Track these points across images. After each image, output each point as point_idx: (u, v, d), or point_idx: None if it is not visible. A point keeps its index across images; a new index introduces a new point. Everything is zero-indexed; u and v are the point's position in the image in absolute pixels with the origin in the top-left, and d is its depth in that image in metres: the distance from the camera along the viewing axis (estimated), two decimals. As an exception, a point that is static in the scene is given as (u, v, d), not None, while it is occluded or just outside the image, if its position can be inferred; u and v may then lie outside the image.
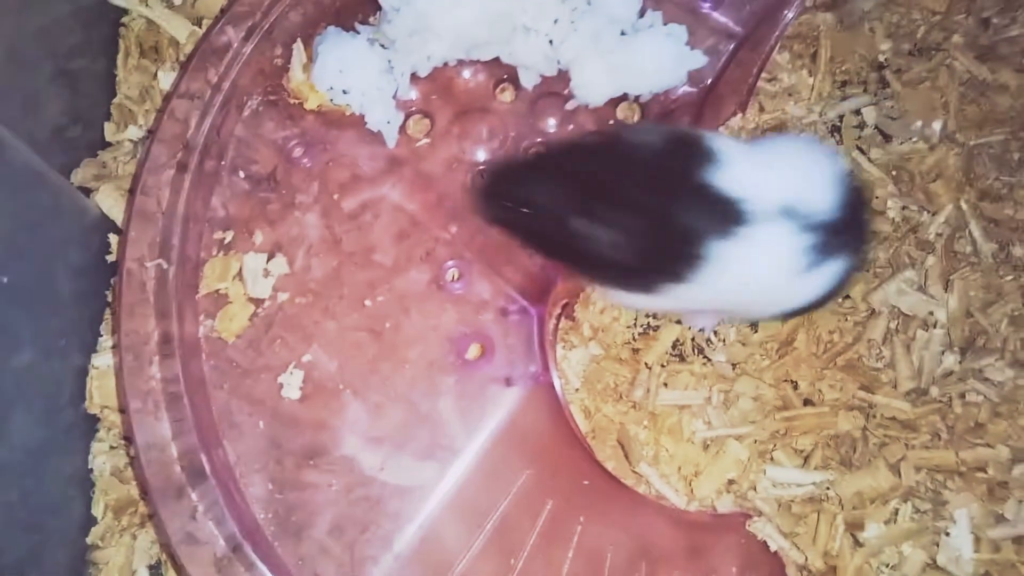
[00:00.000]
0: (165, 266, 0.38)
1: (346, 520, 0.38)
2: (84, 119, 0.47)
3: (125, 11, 0.48)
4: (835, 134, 0.52)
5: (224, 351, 0.39)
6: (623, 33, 0.41)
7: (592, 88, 0.41)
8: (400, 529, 0.38)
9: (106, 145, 0.46)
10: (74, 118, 0.46)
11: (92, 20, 0.48)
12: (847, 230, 0.36)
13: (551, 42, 0.41)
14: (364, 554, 0.37)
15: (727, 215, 0.33)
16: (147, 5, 0.47)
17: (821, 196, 0.35)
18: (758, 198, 0.33)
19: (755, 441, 0.46)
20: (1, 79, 0.40)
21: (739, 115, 0.51)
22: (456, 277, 0.41)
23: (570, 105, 0.43)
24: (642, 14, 0.43)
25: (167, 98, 0.42)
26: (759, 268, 0.35)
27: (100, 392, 0.42)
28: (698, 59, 0.43)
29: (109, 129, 0.47)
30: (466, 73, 0.45)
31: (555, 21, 0.41)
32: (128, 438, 0.42)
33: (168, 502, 0.37)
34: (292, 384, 0.38)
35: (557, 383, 0.39)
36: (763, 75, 0.51)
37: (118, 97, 0.47)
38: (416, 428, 0.40)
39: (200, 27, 0.47)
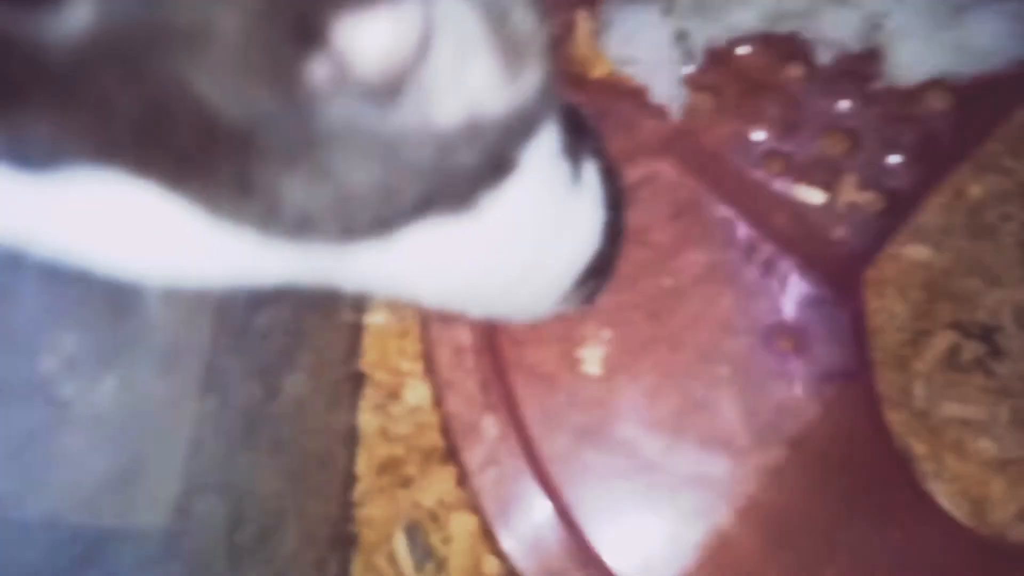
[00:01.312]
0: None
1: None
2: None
3: None
4: None
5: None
6: (954, 7, 0.38)
7: (911, 66, 0.38)
8: (687, 523, 0.35)
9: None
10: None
11: None
12: None
13: (868, 16, 0.39)
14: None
15: None
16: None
17: None
18: None
19: (1056, 466, 0.42)
20: None
21: (1027, 109, 0.47)
22: (760, 269, 0.39)
23: (876, 85, 0.40)
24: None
25: None
26: None
27: (373, 350, 0.42)
28: None
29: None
30: (755, 46, 0.42)
31: (877, -9, 0.38)
32: (392, 396, 0.42)
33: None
34: (592, 359, 0.36)
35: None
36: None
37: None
38: (696, 418, 0.38)
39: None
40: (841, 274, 0.37)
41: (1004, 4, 0.37)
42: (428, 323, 0.38)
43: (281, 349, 0.40)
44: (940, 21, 0.37)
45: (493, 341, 0.38)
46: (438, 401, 0.39)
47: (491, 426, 0.36)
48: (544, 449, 0.36)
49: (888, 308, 0.44)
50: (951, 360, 0.43)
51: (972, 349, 0.43)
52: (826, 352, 0.36)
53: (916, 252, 0.43)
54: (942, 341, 0.43)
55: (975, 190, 0.45)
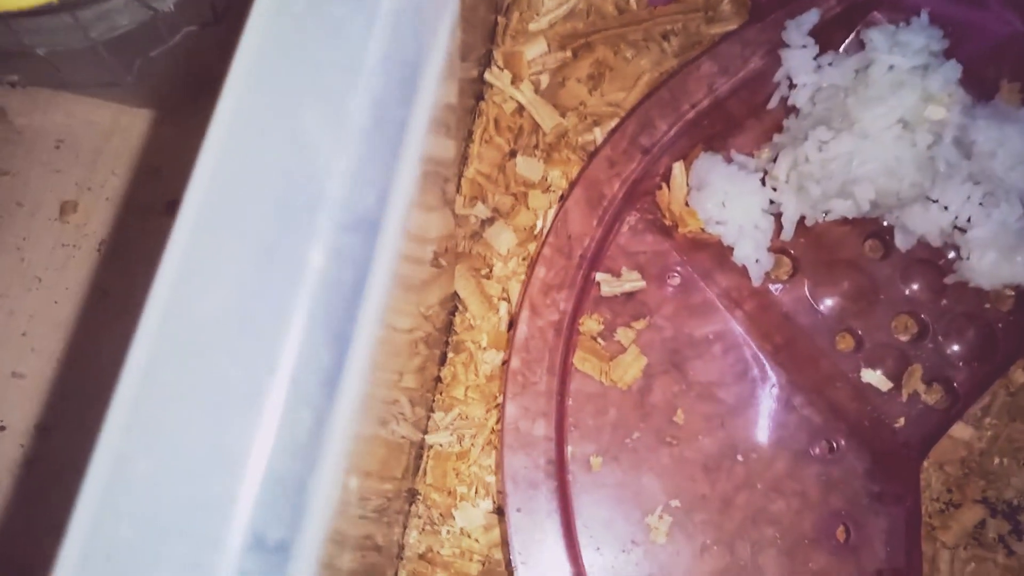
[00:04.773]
0: (545, 375, 0.40)
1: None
2: (446, 187, 0.48)
3: (492, 87, 0.49)
4: None
5: (584, 471, 0.39)
6: (1032, 225, 0.40)
7: (987, 274, 0.40)
8: None
9: (454, 218, 0.48)
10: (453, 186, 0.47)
11: (458, 91, 0.49)
12: None
13: (955, 218, 0.41)
14: None
15: None
16: (518, 88, 0.48)
17: None
18: None
19: (1062, 655, 0.45)
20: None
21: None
22: (824, 449, 0.40)
23: (950, 279, 0.43)
24: (1040, 200, 0.43)
25: (556, 211, 0.43)
26: None
27: (432, 472, 0.43)
28: None
29: (458, 202, 0.48)
30: (837, 222, 0.45)
31: (966, 199, 0.41)
32: (442, 517, 0.44)
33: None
34: (660, 529, 0.38)
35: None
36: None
37: (470, 171, 0.48)
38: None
39: (564, 117, 0.48)
40: (899, 467, 0.39)
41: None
42: (499, 451, 0.39)
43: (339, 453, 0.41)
44: (1021, 236, 0.39)
45: (563, 480, 0.39)
46: (492, 528, 0.40)
47: (549, 565, 0.38)
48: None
49: (924, 480, 0.46)
50: (976, 535, 0.46)
51: (996, 526, 0.46)
52: (875, 547, 0.38)
53: (959, 431, 0.46)
54: (970, 515, 0.46)
55: (1019, 375, 0.48)
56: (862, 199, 0.38)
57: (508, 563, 0.39)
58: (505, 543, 0.40)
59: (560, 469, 0.38)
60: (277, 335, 0.16)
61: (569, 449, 0.39)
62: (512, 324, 0.41)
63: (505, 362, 0.40)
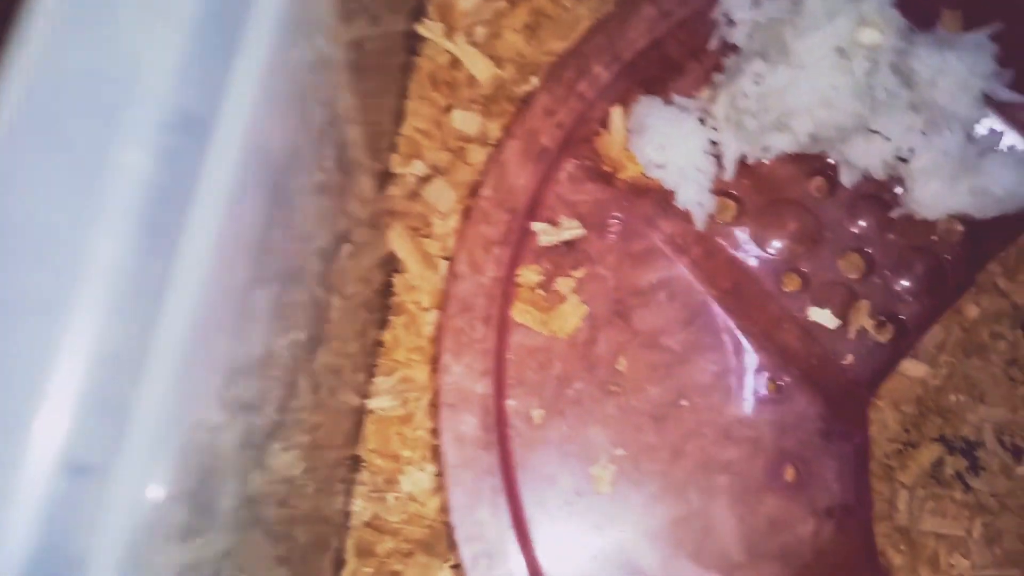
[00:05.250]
0: (480, 329, 0.39)
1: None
2: (372, 146, 0.47)
3: (425, 41, 0.47)
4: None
5: (525, 424, 0.38)
6: (976, 152, 0.40)
7: (931, 204, 0.40)
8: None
9: (390, 176, 0.46)
10: (363, 144, 0.46)
11: (391, 47, 0.47)
12: None
13: (897, 149, 0.40)
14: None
15: None
16: (451, 40, 0.47)
17: None
18: None
19: (1021, 587, 0.45)
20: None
21: (1025, 232, 0.50)
22: (769, 388, 0.40)
23: (895, 213, 0.42)
24: (985, 130, 0.42)
25: (487, 160, 0.42)
26: None
27: (374, 437, 0.42)
28: None
29: (395, 160, 0.47)
30: (780, 161, 0.43)
31: (907, 129, 0.40)
32: (388, 483, 0.43)
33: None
34: (604, 479, 0.37)
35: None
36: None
37: (406, 128, 0.47)
38: (692, 529, 0.39)
39: (500, 68, 0.47)
40: (848, 404, 0.39)
41: (1019, 152, 0.39)
42: (437, 410, 0.38)
43: (273, 425, 0.40)
44: (963, 164, 0.39)
45: (503, 436, 0.39)
46: (440, 491, 0.39)
47: (490, 523, 0.37)
48: (542, 553, 0.37)
49: (880, 420, 0.46)
50: (934, 473, 0.46)
51: (954, 463, 0.46)
52: (825, 485, 0.37)
53: (913, 368, 0.46)
54: (927, 454, 0.46)
55: (972, 309, 0.47)
56: (800, 132, 0.37)
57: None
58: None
59: (500, 424, 0.37)
60: (86, 239, 0.15)
61: (510, 404, 0.38)
62: (448, 278, 0.39)
63: (441, 318, 0.39)
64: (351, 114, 0.38)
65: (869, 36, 0.35)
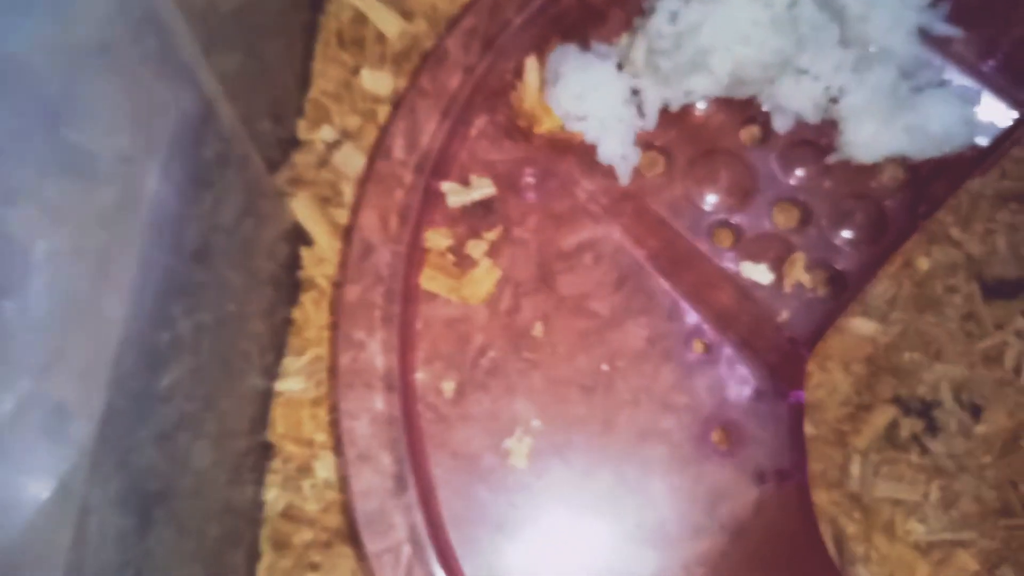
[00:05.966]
0: (384, 299, 0.36)
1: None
2: (275, 112, 0.44)
3: (330, -3, 0.45)
4: (1079, 209, 0.48)
5: (436, 398, 0.36)
6: (911, 90, 0.37)
7: (866, 146, 0.37)
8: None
9: (296, 143, 0.44)
10: (265, 110, 0.43)
11: (292, 4, 0.45)
12: None
13: (827, 88, 0.38)
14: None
15: None
16: (356, -7, 0.44)
17: None
18: None
19: (979, 551, 0.43)
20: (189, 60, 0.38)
21: (979, 179, 0.48)
22: (700, 349, 0.37)
23: (831, 158, 0.39)
24: (921, 66, 0.40)
25: (390, 116, 0.39)
26: None
27: (283, 421, 0.40)
28: (990, 130, 0.38)
29: (301, 126, 0.44)
30: (708, 109, 0.41)
31: (836, 67, 0.37)
32: (302, 470, 0.40)
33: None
34: (519, 452, 0.35)
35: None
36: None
37: (313, 92, 0.44)
38: (629, 505, 0.37)
39: (410, 23, 0.44)
40: (783, 363, 0.36)
41: (957, 88, 0.37)
42: (340, 390, 0.35)
43: (182, 415, 0.37)
44: (897, 102, 0.36)
45: (412, 413, 0.36)
46: (343, 478, 0.36)
47: (396, 512, 0.34)
48: (458, 536, 0.35)
49: (830, 382, 0.44)
50: (889, 436, 0.43)
51: (910, 425, 0.43)
52: (761, 450, 0.35)
53: (861, 326, 0.43)
54: (881, 417, 0.43)
55: (923, 262, 0.45)
56: (720, 71, 0.35)
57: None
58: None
59: (408, 401, 0.34)
60: None
61: (419, 378, 0.35)
62: (347, 246, 0.37)
63: (340, 289, 0.36)
64: (218, 88, 0.35)
65: (785, -38, 0.33)
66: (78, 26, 0.28)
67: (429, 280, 0.36)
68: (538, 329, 0.37)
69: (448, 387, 0.35)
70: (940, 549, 0.41)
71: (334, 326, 0.35)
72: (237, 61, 0.41)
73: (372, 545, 0.32)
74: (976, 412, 0.44)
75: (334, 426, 0.39)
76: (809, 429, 0.43)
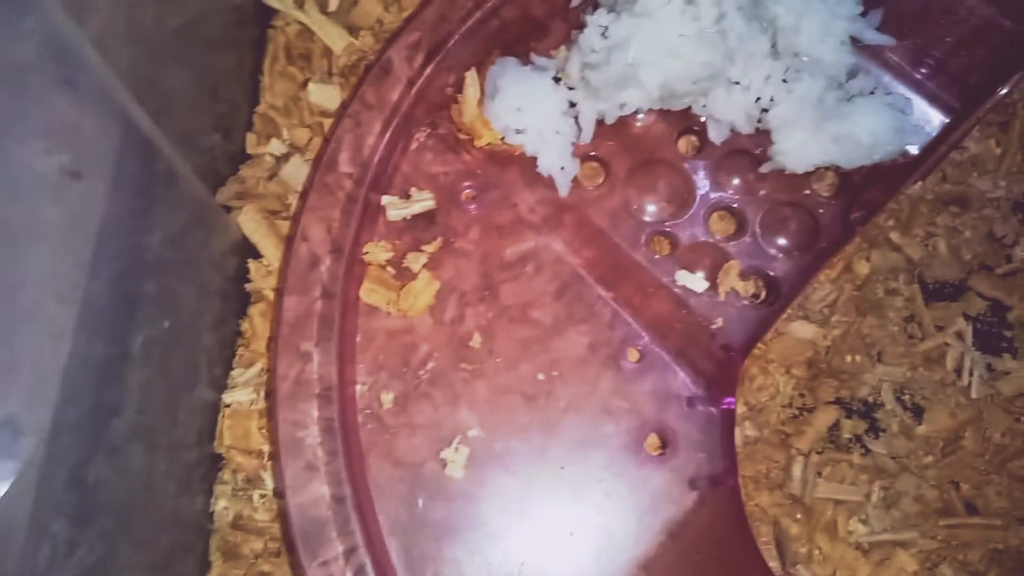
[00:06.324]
0: (322, 308, 0.36)
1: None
2: (223, 126, 0.45)
3: (276, 12, 0.45)
4: (1018, 211, 0.49)
5: (376, 408, 0.36)
6: (841, 99, 0.38)
7: (797, 155, 0.38)
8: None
9: (246, 157, 0.44)
10: (213, 125, 0.44)
11: (240, 20, 0.45)
12: None
13: (758, 99, 0.39)
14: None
15: None
16: (302, 9, 0.44)
17: None
18: None
19: (919, 551, 0.44)
20: (136, 73, 0.38)
21: (919, 183, 0.49)
22: (636, 358, 0.38)
23: (764, 168, 0.40)
24: (853, 75, 0.41)
25: (332, 128, 0.40)
26: None
27: (231, 432, 0.40)
28: (920, 137, 0.38)
29: (250, 140, 0.44)
30: (647, 120, 0.41)
31: (767, 78, 0.38)
32: (250, 481, 0.41)
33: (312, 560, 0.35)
34: (456, 462, 0.35)
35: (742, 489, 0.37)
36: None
37: (262, 106, 0.45)
38: (569, 512, 0.38)
39: (356, 38, 0.45)
40: (717, 371, 0.37)
41: (885, 98, 0.38)
42: (279, 400, 0.35)
43: (132, 428, 0.38)
44: (825, 112, 0.37)
45: (352, 424, 0.36)
46: (280, 488, 0.36)
47: (337, 523, 0.34)
48: (396, 547, 0.35)
49: (772, 385, 0.44)
50: (831, 438, 0.44)
51: (852, 426, 0.44)
52: (695, 457, 0.36)
53: (802, 329, 0.44)
54: (823, 418, 0.44)
55: (863, 266, 0.46)
56: (650, 85, 0.36)
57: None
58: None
59: (347, 413, 0.35)
60: None
61: (359, 390, 0.36)
62: (288, 256, 0.37)
63: (278, 303, 0.37)
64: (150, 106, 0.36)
65: (708, -22, 0.34)
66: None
67: (368, 293, 0.37)
68: (481, 338, 0.38)
69: (390, 397, 0.36)
70: (881, 549, 0.42)
71: (274, 337, 0.35)
72: (186, 76, 0.42)
73: (308, 559, 0.32)
74: (918, 413, 0.45)
75: (272, 437, 0.39)
76: (751, 431, 0.44)
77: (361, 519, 0.33)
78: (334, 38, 0.43)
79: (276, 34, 0.44)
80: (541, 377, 0.38)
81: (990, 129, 0.49)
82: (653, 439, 0.36)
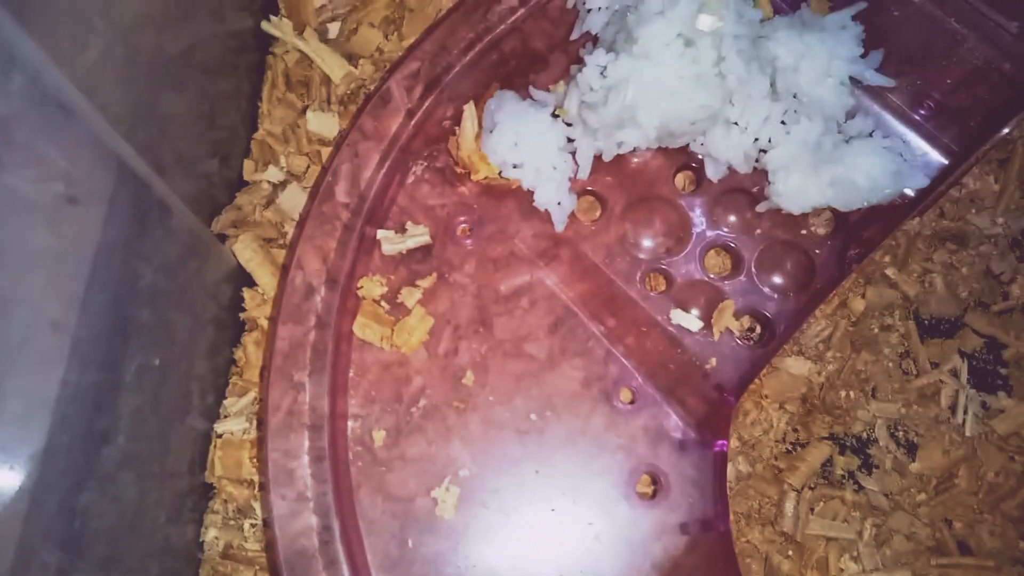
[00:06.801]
0: (316, 337, 0.36)
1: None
2: (221, 152, 0.45)
3: (275, 39, 0.45)
4: (1016, 248, 0.49)
5: (368, 442, 0.36)
6: (839, 142, 0.38)
7: (794, 197, 0.38)
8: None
9: (243, 184, 0.44)
10: (210, 151, 0.44)
11: (239, 46, 0.45)
12: None
13: (756, 140, 0.38)
14: None
15: None
16: (302, 37, 0.45)
17: None
18: None
19: (910, 590, 0.43)
20: (132, 100, 0.38)
21: (917, 219, 0.49)
22: (629, 398, 0.38)
23: (761, 207, 0.40)
24: (851, 116, 0.41)
25: (330, 157, 0.40)
26: None
27: (223, 462, 0.40)
28: (918, 179, 0.38)
29: (248, 167, 0.44)
30: (644, 155, 0.41)
31: (765, 119, 0.38)
32: (241, 511, 0.41)
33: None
34: (447, 502, 0.35)
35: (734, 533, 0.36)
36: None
37: (259, 133, 0.45)
38: (558, 554, 0.37)
39: (355, 66, 0.45)
40: (710, 412, 0.37)
41: (883, 141, 0.38)
42: (269, 431, 0.35)
43: (124, 456, 0.38)
44: (823, 156, 0.37)
45: (342, 458, 0.36)
46: (269, 518, 0.36)
47: (324, 556, 0.34)
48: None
49: (766, 420, 0.45)
50: (824, 474, 0.44)
51: (845, 463, 0.44)
52: (686, 500, 0.36)
53: (796, 365, 0.44)
54: (817, 454, 0.44)
55: (858, 303, 0.46)
56: (647, 126, 0.36)
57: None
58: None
59: (337, 449, 0.35)
60: None
61: (351, 425, 0.36)
62: (283, 284, 0.37)
63: (271, 337, 0.37)
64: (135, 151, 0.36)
65: (706, 22, 0.34)
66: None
67: (362, 328, 0.37)
68: (475, 373, 0.38)
69: (382, 432, 0.36)
70: (869, 587, 0.42)
71: (267, 366, 0.35)
72: (184, 102, 0.42)
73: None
74: (912, 450, 0.45)
75: (263, 466, 0.39)
76: (744, 467, 0.44)
77: (348, 552, 0.33)
78: (333, 66, 0.43)
79: (275, 61, 0.44)
80: (534, 417, 0.38)
81: (989, 166, 0.49)
82: (645, 480, 0.36)
